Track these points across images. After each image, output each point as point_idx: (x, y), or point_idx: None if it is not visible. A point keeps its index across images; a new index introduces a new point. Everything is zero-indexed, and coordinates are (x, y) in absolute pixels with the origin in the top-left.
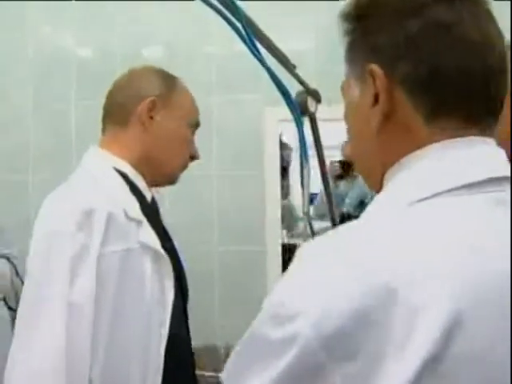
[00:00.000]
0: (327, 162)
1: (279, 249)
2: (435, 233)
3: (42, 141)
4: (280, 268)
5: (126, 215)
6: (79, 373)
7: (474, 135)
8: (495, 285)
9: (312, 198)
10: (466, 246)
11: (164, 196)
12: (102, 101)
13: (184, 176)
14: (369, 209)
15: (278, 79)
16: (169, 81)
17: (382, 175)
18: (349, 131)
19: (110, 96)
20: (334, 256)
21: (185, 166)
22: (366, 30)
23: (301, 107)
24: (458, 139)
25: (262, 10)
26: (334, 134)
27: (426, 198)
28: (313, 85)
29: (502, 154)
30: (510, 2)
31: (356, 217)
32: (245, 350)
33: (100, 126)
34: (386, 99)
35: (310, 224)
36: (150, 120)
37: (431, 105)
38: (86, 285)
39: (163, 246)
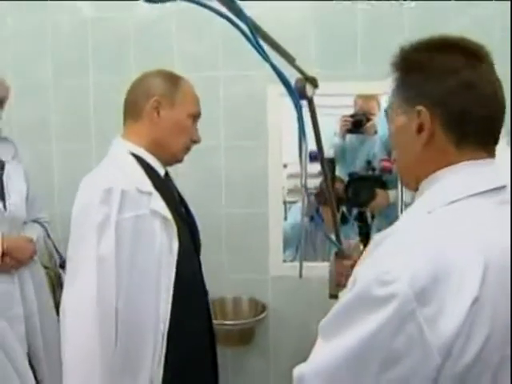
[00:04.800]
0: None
1: (280, 211)
2: (470, 222)
3: (63, 113)
4: (281, 228)
5: (138, 190)
6: (108, 302)
7: (486, 158)
8: (507, 250)
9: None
10: (489, 229)
11: (176, 166)
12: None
13: (196, 147)
14: (419, 206)
15: (280, 72)
16: (172, 81)
17: (419, 182)
18: (395, 148)
19: (127, 95)
20: (413, 240)
21: (188, 149)
22: (417, 79)
23: (300, 92)
24: (476, 161)
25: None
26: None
27: (460, 199)
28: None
29: (498, 170)
30: (510, 2)
31: (363, 177)
32: (351, 304)
33: (115, 100)
34: (428, 130)
35: (308, 194)
36: (156, 115)
37: (459, 136)
38: (108, 242)
39: (176, 211)
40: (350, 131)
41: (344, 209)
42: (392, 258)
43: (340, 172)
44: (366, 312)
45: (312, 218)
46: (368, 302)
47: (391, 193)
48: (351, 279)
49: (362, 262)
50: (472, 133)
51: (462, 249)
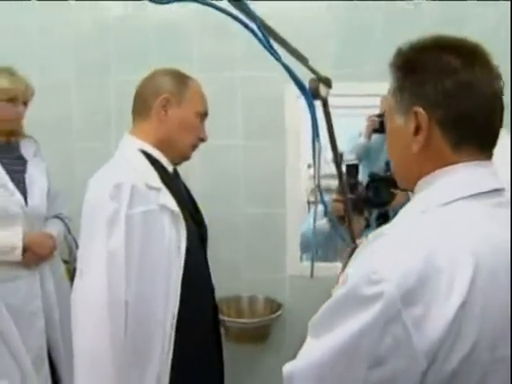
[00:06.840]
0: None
1: (298, 211)
2: (462, 224)
3: (84, 111)
4: (299, 227)
5: (147, 185)
6: (118, 296)
7: (483, 159)
8: (498, 253)
9: None
10: (480, 232)
11: (195, 165)
12: (139, 74)
13: (215, 146)
14: (413, 207)
15: (292, 72)
16: (181, 80)
17: (415, 182)
18: (391, 148)
19: (137, 93)
20: (403, 241)
21: (194, 147)
22: (414, 81)
23: (313, 92)
24: (473, 162)
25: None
26: None
27: (454, 201)
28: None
29: (497, 172)
30: (510, 2)
31: (383, 178)
32: (339, 303)
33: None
34: (425, 132)
35: (321, 194)
36: (164, 113)
37: (457, 138)
38: (118, 237)
39: (184, 207)
40: (376, 131)
41: (366, 213)
42: (381, 257)
43: (364, 172)
44: (354, 310)
45: (331, 220)
46: (356, 300)
47: (410, 194)
48: (342, 277)
49: (354, 260)
50: (470, 134)
51: (453, 251)
